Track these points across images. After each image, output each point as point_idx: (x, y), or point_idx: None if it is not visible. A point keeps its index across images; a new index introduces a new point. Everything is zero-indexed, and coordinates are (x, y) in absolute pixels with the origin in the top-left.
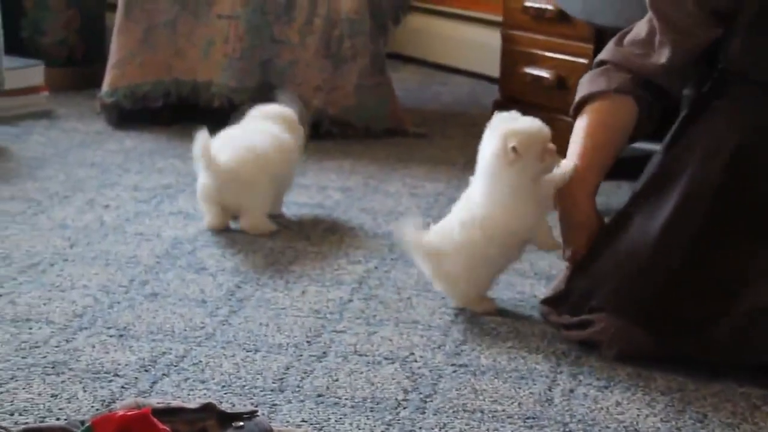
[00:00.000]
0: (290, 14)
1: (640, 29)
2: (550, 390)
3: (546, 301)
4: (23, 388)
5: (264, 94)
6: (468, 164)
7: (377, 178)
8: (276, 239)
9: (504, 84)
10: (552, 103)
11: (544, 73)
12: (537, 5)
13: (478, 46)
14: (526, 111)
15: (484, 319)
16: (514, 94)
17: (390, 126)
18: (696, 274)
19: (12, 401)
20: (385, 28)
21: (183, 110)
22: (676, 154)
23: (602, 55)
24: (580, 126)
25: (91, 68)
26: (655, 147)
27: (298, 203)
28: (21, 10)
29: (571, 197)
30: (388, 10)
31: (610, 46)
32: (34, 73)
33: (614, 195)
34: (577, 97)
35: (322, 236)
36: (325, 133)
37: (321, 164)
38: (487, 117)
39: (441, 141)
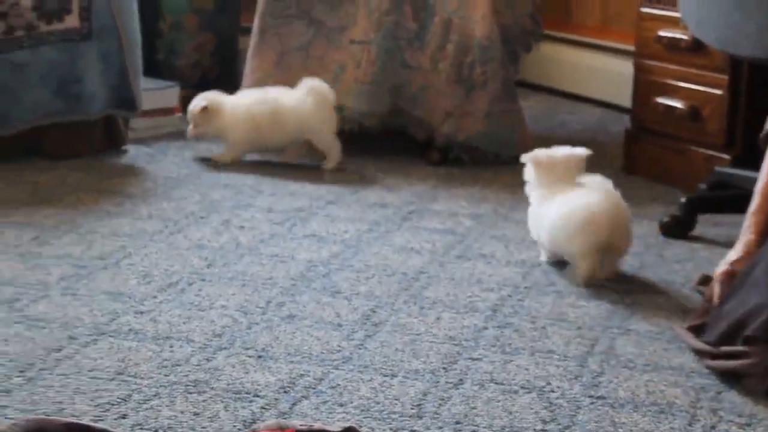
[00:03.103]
0: (422, 40)
1: None
2: (690, 425)
3: (690, 327)
4: (167, 406)
5: (395, 119)
6: None
7: (507, 206)
8: (409, 264)
9: (636, 113)
10: (685, 134)
11: (677, 104)
12: (671, 34)
13: (607, 74)
14: (658, 142)
15: (621, 351)
16: (646, 123)
17: (519, 153)
18: None
19: (156, 418)
20: (516, 55)
21: None
22: None
23: None
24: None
25: (223, 90)
26: None
27: (428, 228)
28: (157, 33)
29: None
30: (519, 37)
31: None
32: (169, 94)
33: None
34: (763, 132)
35: (454, 263)
36: (455, 159)
37: (451, 190)
38: (617, 146)
39: None
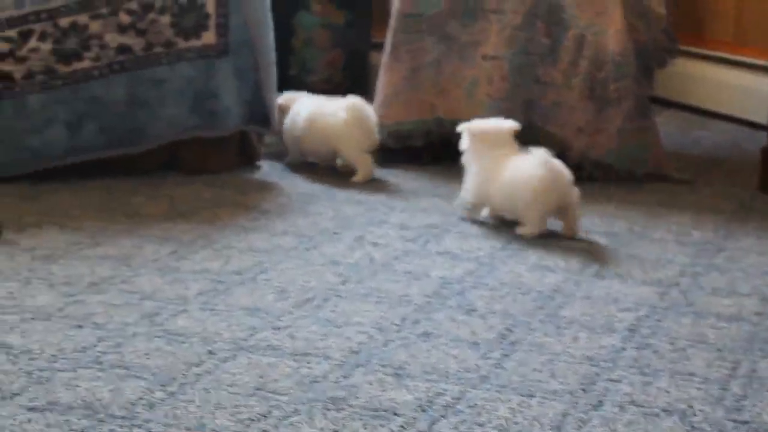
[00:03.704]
0: (555, 55)
1: None
2: None
3: None
4: (306, 423)
5: (527, 134)
6: (736, 212)
7: (641, 224)
8: (544, 282)
9: None
10: None
11: None
12: None
13: (741, 90)
14: None
15: (764, 374)
16: None
17: (652, 171)
18: None
19: None
20: (650, 71)
21: (442, 150)
22: None
23: None
24: None
25: None
26: None
27: (562, 246)
28: (289, 49)
29: None
30: (654, 52)
31: None
32: None
33: None
34: None
35: (590, 281)
36: (588, 176)
37: (584, 208)
38: (753, 164)
39: (704, 188)
